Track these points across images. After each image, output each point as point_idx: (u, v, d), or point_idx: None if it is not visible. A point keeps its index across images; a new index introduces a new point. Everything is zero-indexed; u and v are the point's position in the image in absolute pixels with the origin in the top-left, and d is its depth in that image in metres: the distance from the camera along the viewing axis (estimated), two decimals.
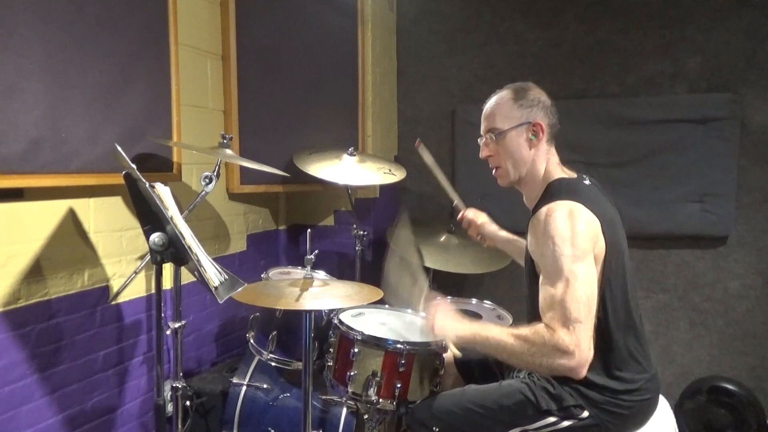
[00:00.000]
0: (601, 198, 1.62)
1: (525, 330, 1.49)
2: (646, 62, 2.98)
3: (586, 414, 1.51)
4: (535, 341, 1.45)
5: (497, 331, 1.55)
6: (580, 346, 1.40)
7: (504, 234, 2.11)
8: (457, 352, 1.73)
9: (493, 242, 2.14)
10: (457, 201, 2.26)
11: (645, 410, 1.58)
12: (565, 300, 1.41)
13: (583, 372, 1.44)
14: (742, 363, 2.92)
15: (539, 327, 1.46)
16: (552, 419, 1.53)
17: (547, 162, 1.66)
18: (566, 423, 1.53)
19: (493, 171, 1.75)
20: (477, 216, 2.15)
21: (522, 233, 1.78)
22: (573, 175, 1.67)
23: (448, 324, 1.66)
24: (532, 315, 1.57)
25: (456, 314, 1.69)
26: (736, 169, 2.83)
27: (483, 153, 1.73)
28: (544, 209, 1.52)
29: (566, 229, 1.45)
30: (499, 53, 3.22)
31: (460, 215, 2.19)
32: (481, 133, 1.73)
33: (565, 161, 1.71)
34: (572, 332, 1.40)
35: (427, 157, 2.25)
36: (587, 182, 1.66)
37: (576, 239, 1.45)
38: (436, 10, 3.34)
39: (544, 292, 1.49)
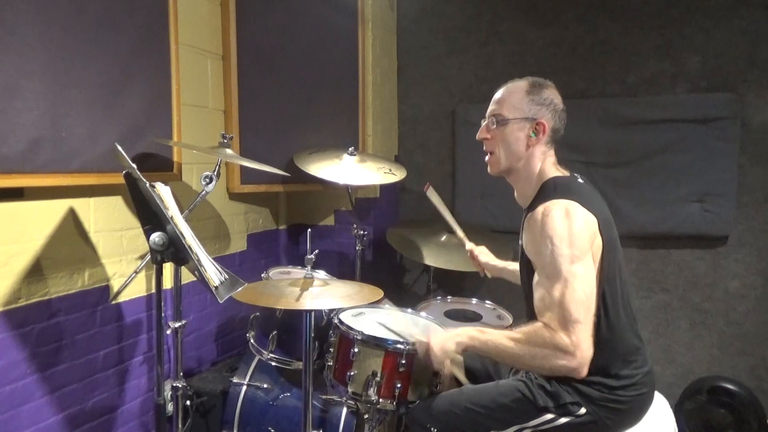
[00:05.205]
0: (595, 196, 1.62)
1: (523, 331, 1.48)
2: (647, 62, 2.98)
3: (583, 411, 1.52)
4: (536, 342, 1.45)
5: (495, 335, 1.55)
6: (580, 346, 1.41)
7: (499, 263, 2.19)
8: (464, 379, 1.76)
9: (491, 272, 2.24)
10: (461, 235, 2.38)
11: (641, 405, 1.59)
12: (564, 301, 1.41)
13: (584, 371, 1.45)
14: (742, 363, 2.92)
15: (538, 327, 1.46)
16: (549, 416, 1.53)
17: (543, 162, 1.65)
18: (564, 420, 1.53)
19: (486, 157, 1.73)
20: (475, 249, 2.28)
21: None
22: (566, 173, 1.67)
23: (443, 337, 1.64)
24: (531, 314, 1.57)
25: (447, 330, 1.70)
26: (736, 169, 2.83)
27: (480, 134, 1.71)
28: (540, 208, 1.52)
29: (564, 229, 1.45)
30: (499, 53, 3.22)
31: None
32: (486, 114, 1.72)
33: (564, 161, 1.71)
34: (572, 333, 1.40)
35: (435, 199, 2.48)
36: (580, 180, 1.66)
37: (574, 239, 1.45)
38: (436, 9, 3.34)
39: (542, 292, 1.48)
